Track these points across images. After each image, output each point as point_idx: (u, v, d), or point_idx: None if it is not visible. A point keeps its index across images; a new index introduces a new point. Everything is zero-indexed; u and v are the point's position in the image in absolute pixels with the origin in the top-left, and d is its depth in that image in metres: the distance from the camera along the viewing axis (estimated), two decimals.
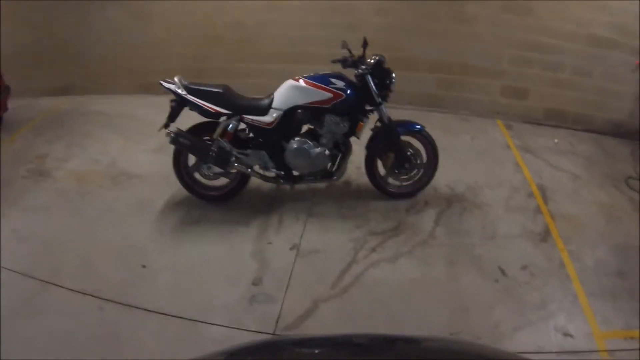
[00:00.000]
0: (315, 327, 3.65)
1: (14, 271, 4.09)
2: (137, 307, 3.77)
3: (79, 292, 3.90)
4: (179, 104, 4.60)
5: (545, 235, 4.72)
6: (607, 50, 6.70)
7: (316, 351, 1.98)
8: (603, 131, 6.99)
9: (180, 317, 3.69)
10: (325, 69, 4.77)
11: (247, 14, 7.15)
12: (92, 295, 3.85)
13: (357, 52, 4.71)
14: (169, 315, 3.71)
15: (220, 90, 4.58)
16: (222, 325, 3.63)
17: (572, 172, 5.85)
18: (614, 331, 3.75)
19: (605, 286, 4.15)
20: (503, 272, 4.23)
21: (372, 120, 4.83)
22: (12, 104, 6.73)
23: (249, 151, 4.69)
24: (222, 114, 4.58)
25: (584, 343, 3.62)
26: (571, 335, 3.66)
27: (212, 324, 3.65)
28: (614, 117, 6.99)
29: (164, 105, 4.72)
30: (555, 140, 6.59)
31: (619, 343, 3.66)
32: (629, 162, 6.25)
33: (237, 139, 4.69)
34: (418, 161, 4.94)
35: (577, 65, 6.85)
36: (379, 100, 4.65)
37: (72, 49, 7.51)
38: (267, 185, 5.10)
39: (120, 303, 3.80)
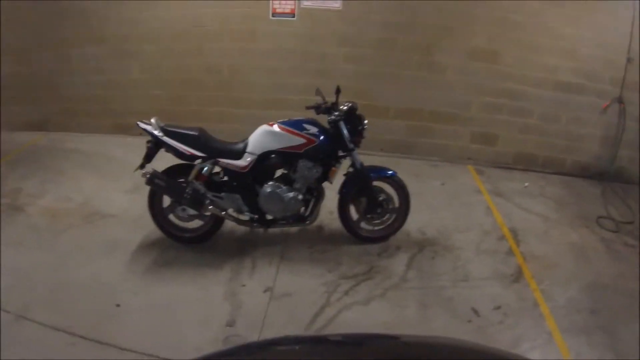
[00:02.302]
0: None
1: None
2: (109, 345, 3.73)
3: (50, 327, 3.85)
4: (155, 145, 4.64)
5: (517, 276, 4.79)
6: (574, 94, 6.94)
7: (314, 350, 1.98)
8: (572, 173, 7.18)
9: (154, 356, 3.66)
10: (299, 114, 4.86)
11: (223, 58, 7.25)
12: (64, 331, 3.81)
13: (331, 98, 4.81)
14: (141, 353, 3.67)
15: (196, 133, 4.63)
16: None
17: (542, 214, 5.97)
18: None
19: (578, 323, 4.22)
20: (476, 312, 4.27)
21: (344, 166, 4.91)
22: None
23: (223, 194, 4.72)
24: (197, 157, 4.61)
25: None
26: None
27: None
28: (582, 160, 7.20)
29: (140, 146, 4.75)
30: (526, 184, 6.73)
31: None
32: (599, 202, 6.41)
33: (211, 182, 4.72)
34: (390, 206, 5.01)
35: (545, 110, 7.06)
36: (352, 146, 4.73)
37: (51, 84, 7.52)
38: (241, 228, 5.12)
39: (92, 340, 3.76)
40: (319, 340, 2.12)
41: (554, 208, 6.16)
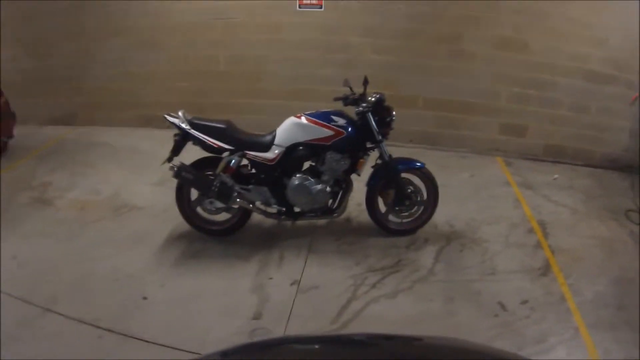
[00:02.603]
0: None
1: (13, 296, 4.10)
2: (135, 338, 3.75)
3: (77, 320, 3.89)
4: (183, 138, 4.66)
5: (545, 270, 4.72)
6: (604, 85, 6.81)
7: (316, 349, 1.97)
8: (602, 165, 7.05)
9: (179, 349, 3.67)
10: (326, 106, 4.84)
11: (248, 49, 7.25)
12: (91, 324, 3.85)
13: (358, 89, 4.78)
14: (167, 346, 3.69)
15: (224, 126, 4.64)
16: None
17: (571, 206, 5.88)
18: None
19: (605, 319, 4.14)
20: (503, 307, 4.22)
21: (372, 158, 4.89)
22: (16, 130, 6.80)
23: (251, 187, 4.73)
24: (225, 149, 4.63)
25: None
26: None
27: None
28: (612, 151, 7.07)
29: (167, 138, 4.79)
30: (555, 176, 6.64)
31: None
32: (628, 195, 6.27)
33: (239, 175, 4.73)
34: (418, 198, 4.97)
35: (575, 101, 6.95)
36: (380, 137, 4.70)
37: (78, 78, 7.60)
38: (269, 221, 5.12)
39: (119, 333, 3.79)
40: (315, 341, 2.10)
41: (583, 201, 6.07)
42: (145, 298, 4.18)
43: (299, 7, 7.00)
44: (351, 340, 2.11)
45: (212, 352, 2.00)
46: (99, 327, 3.83)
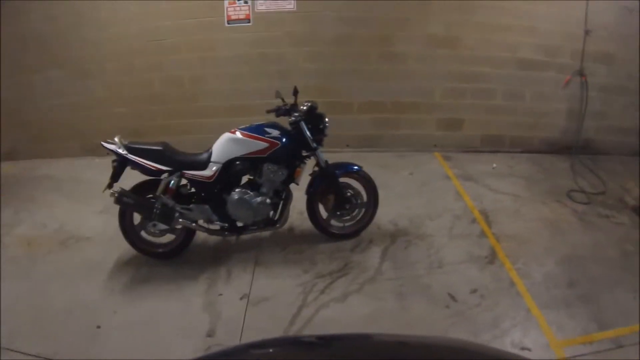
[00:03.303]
0: None
1: None
2: None
3: (35, 355, 3.86)
4: (121, 163, 4.63)
5: (492, 258, 4.85)
6: (536, 71, 7.04)
7: (310, 351, 1.99)
8: (540, 150, 7.28)
9: None
10: (262, 119, 4.87)
11: (183, 69, 7.24)
12: (50, 359, 3.82)
13: (290, 100, 4.83)
14: None
15: (160, 148, 4.63)
16: None
17: (513, 193, 6.04)
18: (572, 338, 3.88)
19: (557, 297, 4.29)
20: (453, 297, 4.33)
21: (309, 166, 4.94)
22: None
23: (192, 206, 4.73)
24: (163, 171, 4.63)
25: (542, 354, 3.73)
26: (528, 349, 3.76)
27: None
28: (549, 135, 7.30)
29: (108, 165, 4.75)
30: (494, 165, 6.80)
31: (578, 349, 3.78)
32: (569, 176, 6.50)
33: (179, 195, 4.73)
34: (358, 201, 5.05)
35: (509, 90, 7.15)
36: (315, 145, 4.76)
37: (15, 111, 7.47)
38: (213, 238, 5.14)
39: None
40: (305, 342, 2.14)
41: (524, 186, 6.24)
42: (99, 327, 4.15)
43: (228, 23, 7.00)
44: (350, 342, 2.11)
45: (211, 352, 2.00)
46: None
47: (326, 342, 2.10)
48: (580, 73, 6.90)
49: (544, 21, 6.80)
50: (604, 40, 6.80)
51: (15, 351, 3.92)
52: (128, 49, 7.15)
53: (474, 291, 4.41)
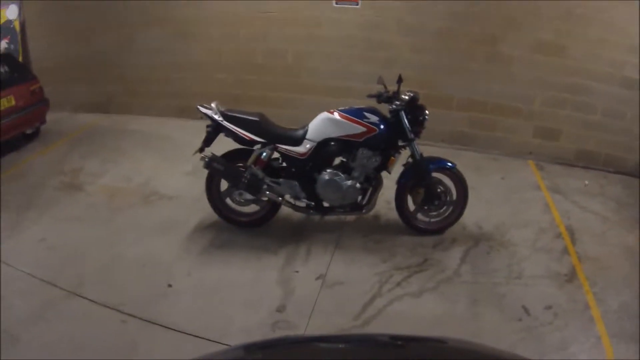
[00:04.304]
0: None
1: (40, 279, 4.21)
2: (158, 324, 3.82)
3: (101, 304, 3.98)
4: (215, 129, 4.70)
5: (571, 277, 4.67)
6: (639, 92, 6.68)
7: (317, 350, 1.97)
8: (634, 173, 6.93)
9: (200, 337, 3.72)
10: (360, 103, 4.83)
11: (287, 44, 7.27)
12: (115, 309, 3.93)
13: (392, 87, 4.76)
14: (189, 334, 3.75)
15: (256, 119, 4.66)
16: None
17: (601, 214, 5.80)
18: None
19: (628, 330, 4.09)
20: (527, 311, 4.19)
21: (404, 156, 4.88)
22: (50, 117, 6.92)
23: (281, 180, 4.75)
24: (256, 142, 4.66)
25: None
26: None
27: (229, 345, 3.63)
28: None
29: (201, 129, 4.83)
30: (586, 182, 6.56)
31: None
32: None
33: (270, 168, 4.76)
34: (448, 198, 4.95)
35: (609, 107, 6.83)
36: (412, 136, 4.69)
37: (114, 66, 7.69)
38: (297, 215, 5.15)
39: (142, 319, 3.86)
40: (304, 342, 2.11)
41: (613, 208, 5.97)
42: (170, 285, 4.24)
43: (336, 3, 7.00)
44: (351, 342, 2.11)
45: (212, 352, 2.02)
46: (122, 312, 3.91)
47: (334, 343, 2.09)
48: None
49: None
50: None
51: (82, 297, 4.05)
52: (235, 17, 7.25)
53: (548, 308, 4.25)
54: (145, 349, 3.61)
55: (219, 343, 3.69)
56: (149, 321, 3.84)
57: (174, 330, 3.78)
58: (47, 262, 4.42)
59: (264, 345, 2.18)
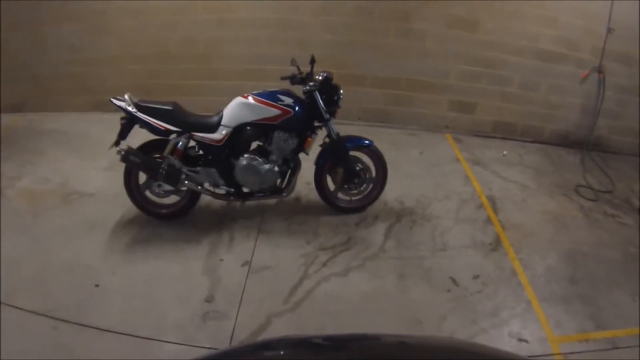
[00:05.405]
0: None
1: None
2: (90, 327, 3.73)
3: (32, 312, 3.85)
4: (129, 121, 4.59)
5: (496, 245, 4.82)
6: (555, 63, 6.91)
7: (309, 351, 1.98)
8: (552, 142, 7.21)
9: (134, 336, 3.67)
10: (275, 85, 4.81)
11: (199, 30, 7.14)
12: (46, 315, 3.81)
13: (306, 69, 4.76)
14: (122, 333, 3.68)
15: (170, 108, 4.58)
16: (175, 343, 3.62)
17: (521, 182, 5.99)
18: (568, 335, 3.87)
19: (557, 292, 4.27)
20: (455, 282, 4.31)
21: (320, 136, 4.88)
22: None
23: (199, 168, 4.70)
24: (171, 132, 4.58)
25: (539, 348, 3.73)
26: (526, 341, 3.76)
27: (165, 341, 3.64)
28: (561, 128, 7.21)
29: (116, 122, 4.70)
30: (504, 152, 6.74)
31: (574, 346, 3.78)
32: (578, 171, 6.44)
33: (186, 157, 4.69)
34: (367, 176, 5.00)
35: (525, 79, 7.03)
36: (327, 116, 4.70)
37: (26, 64, 7.40)
38: (218, 202, 5.11)
39: (74, 323, 3.76)
40: (304, 343, 2.11)
41: (533, 176, 6.18)
42: (97, 285, 4.14)
43: None
44: (346, 341, 2.11)
45: (211, 353, 2.00)
46: (54, 318, 3.80)
47: (333, 343, 2.09)
48: (599, 70, 6.79)
49: (567, 14, 6.66)
50: (626, 41, 6.66)
51: (14, 307, 3.91)
52: (145, 7, 7.05)
53: (476, 277, 4.39)
54: (81, 354, 3.53)
55: (155, 340, 3.66)
56: (81, 324, 3.75)
57: (108, 331, 3.71)
58: None
59: (263, 345, 2.16)
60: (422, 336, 2.15)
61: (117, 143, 4.61)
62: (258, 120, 4.59)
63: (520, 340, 3.76)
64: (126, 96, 4.59)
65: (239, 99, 4.63)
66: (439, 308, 4.04)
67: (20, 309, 3.88)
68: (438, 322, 3.91)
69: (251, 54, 7.20)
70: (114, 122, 4.85)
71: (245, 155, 4.66)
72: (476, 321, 3.91)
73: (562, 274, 4.51)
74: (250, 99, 4.59)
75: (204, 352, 3.43)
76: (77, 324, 3.76)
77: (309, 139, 4.74)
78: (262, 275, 4.33)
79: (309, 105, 4.69)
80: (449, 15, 6.85)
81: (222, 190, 4.83)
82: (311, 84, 4.66)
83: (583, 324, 3.96)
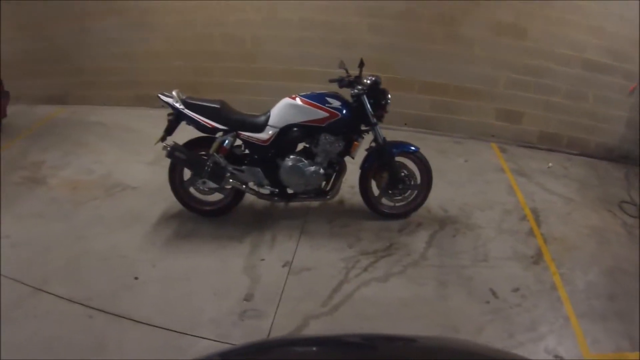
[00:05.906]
0: None
1: (5, 276, 4.11)
2: (125, 318, 3.77)
3: (68, 299, 3.91)
4: (176, 117, 4.62)
5: (537, 258, 4.73)
6: (601, 74, 6.74)
7: (313, 351, 1.97)
8: (597, 155, 7.03)
9: (168, 329, 3.69)
10: (322, 87, 4.80)
11: (245, 29, 7.16)
12: (82, 304, 3.86)
13: (354, 72, 4.73)
14: (156, 326, 3.71)
15: (217, 106, 4.60)
16: (210, 339, 3.63)
17: (565, 195, 5.87)
18: (604, 354, 3.77)
19: (596, 309, 4.17)
20: (494, 293, 4.24)
21: (367, 141, 4.85)
22: (9, 110, 6.75)
23: (244, 167, 4.70)
24: (218, 130, 4.60)
25: None
26: (561, 357, 3.67)
27: (199, 337, 3.65)
28: (607, 141, 7.04)
29: (161, 118, 4.75)
30: (550, 164, 6.62)
31: None
32: (622, 186, 6.28)
33: (232, 155, 4.70)
34: (412, 182, 4.95)
35: (572, 89, 6.88)
36: (374, 120, 4.67)
37: (71, 57, 7.54)
38: (261, 202, 5.11)
39: (109, 313, 3.80)
40: (313, 342, 2.10)
41: (577, 190, 6.06)
42: (136, 278, 4.19)
43: None
44: (349, 342, 2.10)
45: (212, 353, 2.00)
46: (89, 307, 3.85)
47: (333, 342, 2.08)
48: None
49: (613, 24, 6.50)
50: None
51: (48, 293, 3.98)
52: (190, 4, 7.09)
53: (515, 290, 4.31)
54: (114, 344, 3.56)
55: (189, 335, 3.67)
56: (117, 315, 3.79)
57: (143, 323, 3.73)
58: (12, 259, 4.31)
59: (262, 346, 2.15)
60: (420, 336, 2.11)
61: (163, 138, 4.64)
62: (305, 121, 4.58)
63: (556, 356, 3.67)
64: (174, 92, 4.63)
65: (286, 100, 4.63)
66: (477, 318, 3.99)
67: (56, 295, 3.94)
68: (475, 332, 3.85)
69: (296, 54, 7.19)
70: (159, 118, 4.92)
71: (291, 157, 4.66)
72: (513, 335, 3.84)
73: (602, 291, 4.40)
74: (298, 101, 4.58)
75: None
76: (112, 314, 3.81)
77: (355, 142, 4.71)
78: (302, 276, 4.32)
79: (356, 108, 4.65)
80: (497, 22, 6.74)
81: (266, 190, 4.84)
82: (359, 87, 4.62)
83: (619, 343, 3.86)
